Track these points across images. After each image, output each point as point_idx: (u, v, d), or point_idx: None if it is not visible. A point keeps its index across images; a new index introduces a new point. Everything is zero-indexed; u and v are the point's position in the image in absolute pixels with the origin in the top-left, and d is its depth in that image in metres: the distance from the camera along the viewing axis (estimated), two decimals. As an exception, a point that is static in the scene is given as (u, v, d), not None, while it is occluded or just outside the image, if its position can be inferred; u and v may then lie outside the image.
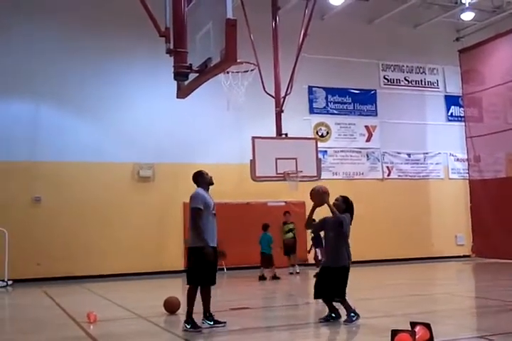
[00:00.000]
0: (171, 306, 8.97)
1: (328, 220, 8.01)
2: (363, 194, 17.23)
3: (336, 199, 8.07)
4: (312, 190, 8.02)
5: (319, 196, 7.85)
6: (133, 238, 16.56)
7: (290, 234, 15.38)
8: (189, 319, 7.47)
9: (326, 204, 7.81)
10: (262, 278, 14.31)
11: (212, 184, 7.96)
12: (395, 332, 5.88)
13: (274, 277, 14.35)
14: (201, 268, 7.46)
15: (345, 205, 8.00)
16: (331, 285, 7.76)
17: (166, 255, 16.76)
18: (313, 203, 7.89)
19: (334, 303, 7.85)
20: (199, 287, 7.62)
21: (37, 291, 13.18)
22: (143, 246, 16.55)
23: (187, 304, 7.57)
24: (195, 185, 7.93)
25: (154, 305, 9.48)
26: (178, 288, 13.64)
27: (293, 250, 15.46)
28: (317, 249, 15.08)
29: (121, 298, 11.55)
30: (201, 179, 7.90)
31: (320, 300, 8.08)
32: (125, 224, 16.65)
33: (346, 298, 7.74)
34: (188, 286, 7.68)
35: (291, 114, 16.28)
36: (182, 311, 8.76)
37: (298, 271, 15.53)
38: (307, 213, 8.15)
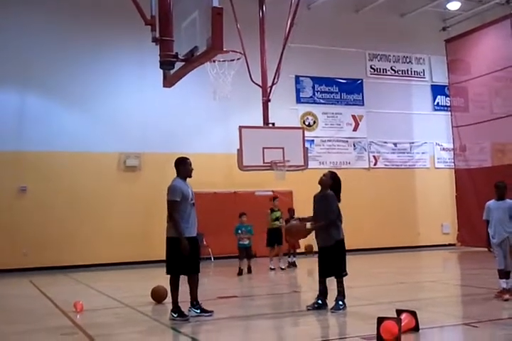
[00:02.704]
0: (158, 295, 8.99)
1: (317, 204, 8.08)
2: (350, 183, 17.12)
3: (323, 175, 8.16)
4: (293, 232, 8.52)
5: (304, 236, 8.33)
6: (120, 227, 16.53)
7: (277, 223, 14.36)
8: (175, 308, 7.49)
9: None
10: (240, 272, 13.33)
11: (190, 177, 7.89)
12: (381, 320, 5.93)
13: (245, 271, 13.42)
14: (178, 257, 7.47)
15: (331, 181, 8.08)
16: (331, 262, 7.91)
17: (153, 244, 16.63)
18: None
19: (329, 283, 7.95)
20: (181, 276, 7.64)
21: (23, 281, 13.14)
22: (130, 236, 16.52)
23: (171, 293, 7.60)
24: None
25: (141, 295, 9.51)
26: (165, 278, 13.63)
27: (279, 240, 14.29)
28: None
29: (108, 287, 11.55)
30: (182, 168, 7.84)
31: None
32: (112, 214, 16.61)
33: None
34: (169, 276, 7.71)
35: (278, 103, 16.26)
36: (169, 300, 8.79)
37: (283, 266, 14.22)
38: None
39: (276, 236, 14.32)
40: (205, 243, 16.59)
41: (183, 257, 7.45)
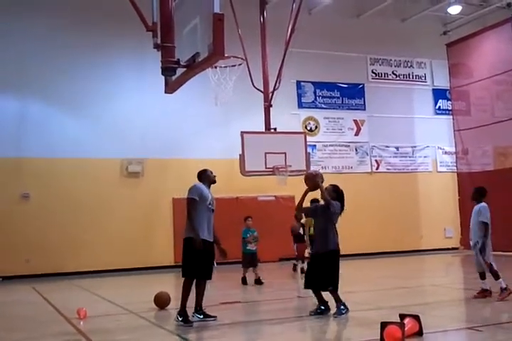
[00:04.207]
0: (161, 301, 8.98)
1: (319, 206, 8.12)
2: (352, 187, 17.18)
3: (325, 189, 8.13)
4: (306, 174, 8.16)
5: (313, 179, 7.95)
6: (123, 233, 16.52)
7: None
8: (182, 311, 7.49)
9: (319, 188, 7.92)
10: (245, 281, 12.36)
11: (214, 182, 8.12)
12: (384, 324, 5.92)
13: (258, 281, 12.20)
14: (193, 259, 7.49)
15: (335, 194, 8.09)
16: (322, 273, 7.84)
17: (156, 250, 16.73)
18: (306, 188, 8.00)
19: (324, 294, 7.90)
20: (194, 280, 7.64)
21: (26, 288, 13.13)
22: (132, 242, 16.51)
23: (181, 297, 7.58)
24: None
25: (144, 301, 9.48)
26: (168, 284, 13.63)
27: None
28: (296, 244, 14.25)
29: (111, 293, 11.54)
30: (204, 176, 8.05)
31: (311, 293, 8.11)
32: (114, 220, 16.60)
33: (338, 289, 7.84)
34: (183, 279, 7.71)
35: (279, 108, 16.27)
36: (172, 307, 8.79)
37: None
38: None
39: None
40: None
41: (198, 259, 7.47)
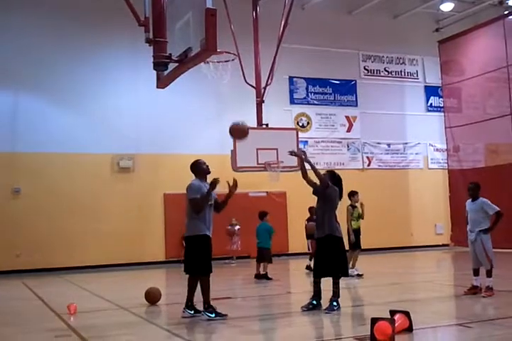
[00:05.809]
0: (152, 297, 8.96)
1: (319, 187, 8.12)
2: (344, 184, 17.22)
3: (323, 175, 8.16)
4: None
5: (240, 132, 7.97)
6: (114, 229, 16.47)
7: (358, 223, 12.57)
8: (189, 303, 7.50)
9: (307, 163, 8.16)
10: (259, 276, 12.31)
11: (208, 173, 7.95)
12: (374, 320, 5.93)
13: (266, 276, 12.20)
14: (194, 257, 7.52)
15: (332, 180, 8.10)
16: (327, 259, 7.87)
17: (147, 246, 16.72)
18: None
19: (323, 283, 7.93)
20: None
21: (16, 283, 13.09)
22: (124, 237, 16.47)
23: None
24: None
25: (135, 296, 9.47)
26: (159, 279, 13.63)
27: (359, 243, 12.54)
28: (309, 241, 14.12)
29: (102, 289, 11.52)
30: (196, 169, 7.91)
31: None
32: (105, 215, 16.55)
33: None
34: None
35: (271, 104, 16.24)
36: (163, 302, 8.79)
37: (361, 272, 12.28)
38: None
39: (359, 239, 12.64)
40: None
41: (203, 257, 7.48)
